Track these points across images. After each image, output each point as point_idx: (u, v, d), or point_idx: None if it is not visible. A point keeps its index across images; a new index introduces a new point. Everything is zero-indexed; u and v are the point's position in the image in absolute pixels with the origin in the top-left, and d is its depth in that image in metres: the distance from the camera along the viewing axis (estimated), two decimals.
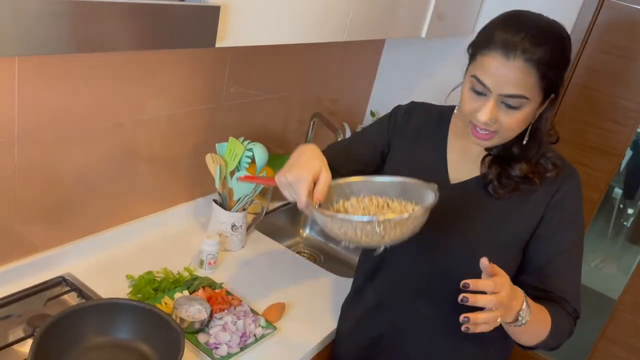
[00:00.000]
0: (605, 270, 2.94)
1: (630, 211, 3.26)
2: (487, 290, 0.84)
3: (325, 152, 1.10)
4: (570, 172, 1.05)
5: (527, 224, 1.04)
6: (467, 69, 1.00)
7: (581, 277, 1.06)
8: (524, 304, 0.91)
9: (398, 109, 1.21)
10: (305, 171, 0.92)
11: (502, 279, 0.86)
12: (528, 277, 1.05)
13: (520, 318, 0.90)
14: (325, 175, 0.94)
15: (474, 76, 0.95)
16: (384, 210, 0.97)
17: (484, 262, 0.87)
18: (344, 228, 0.90)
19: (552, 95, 0.97)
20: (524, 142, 1.00)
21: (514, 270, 1.05)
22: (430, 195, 0.95)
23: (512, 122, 0.94)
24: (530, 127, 0.99)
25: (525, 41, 0.90)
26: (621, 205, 3.23)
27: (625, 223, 3.27)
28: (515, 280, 1.05)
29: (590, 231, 2.24)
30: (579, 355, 2.27)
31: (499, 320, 0.87)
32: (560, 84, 0.96)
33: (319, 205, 0.94)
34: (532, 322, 0.92)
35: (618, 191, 3.13)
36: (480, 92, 0.95)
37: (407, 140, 1.17)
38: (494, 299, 0.84)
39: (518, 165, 1.01)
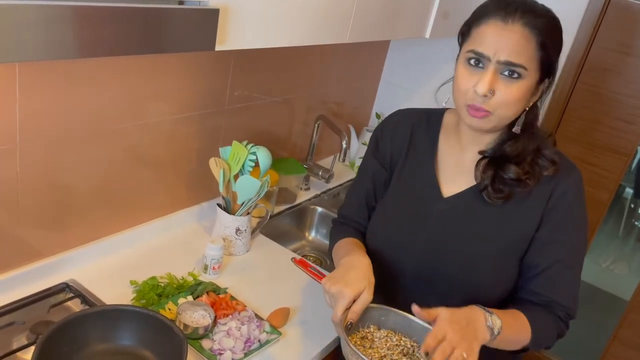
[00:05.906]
0: (616, 271, 2.91)
1: None
2: (434, 344, 0.84)
3: (349, 207, 1.19)
4: (568, 169, 1.01)
5: (526, 230, 1.01)
6: (458, 54, 0.97)
7: (586, 275, 1.05)
8: (486, 314, 0.91)
9: (379, 131, 1.18)
10: (349, 289, 0.94)
11: (439, 324, 0.86)
12: (526, 282, 1.03)
13: (491, 328, 0.90)
14: (366, 297, 0.95)
15: (471, 50, 0.92)
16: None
17: (415, 310, 0.90)
18: None
19: (547, 81, 0.95)
20: (514, 129, 0.97)
21: (516, 276, 1.04)
22: None
23: (509, 96, 0.91)
24: (524, 116, 0.97)
25: (524, 5, 0.89)
26: (632, 205, 3.19)
27: (636, 223, 3.23)
28: (515, 284, 1.05)
29: (601, 232, 2.21)
30: (591, 357, 2.24)
31: (475, 349, 0.86)
32: (555, 66, 0.95)
33: (351, 323, 0.95)
34: (507, 327, 0.92)
35: (629, 191, 3.09)
36: (478, 64, 0.92)
37: (400, 156, 1.14)
38: (445, 345, 0.84)
39: (512, 168, 0.98)
